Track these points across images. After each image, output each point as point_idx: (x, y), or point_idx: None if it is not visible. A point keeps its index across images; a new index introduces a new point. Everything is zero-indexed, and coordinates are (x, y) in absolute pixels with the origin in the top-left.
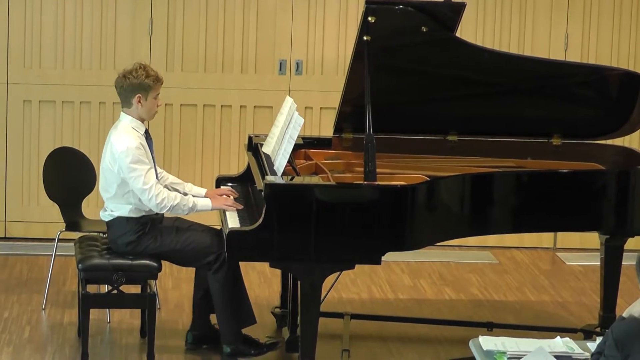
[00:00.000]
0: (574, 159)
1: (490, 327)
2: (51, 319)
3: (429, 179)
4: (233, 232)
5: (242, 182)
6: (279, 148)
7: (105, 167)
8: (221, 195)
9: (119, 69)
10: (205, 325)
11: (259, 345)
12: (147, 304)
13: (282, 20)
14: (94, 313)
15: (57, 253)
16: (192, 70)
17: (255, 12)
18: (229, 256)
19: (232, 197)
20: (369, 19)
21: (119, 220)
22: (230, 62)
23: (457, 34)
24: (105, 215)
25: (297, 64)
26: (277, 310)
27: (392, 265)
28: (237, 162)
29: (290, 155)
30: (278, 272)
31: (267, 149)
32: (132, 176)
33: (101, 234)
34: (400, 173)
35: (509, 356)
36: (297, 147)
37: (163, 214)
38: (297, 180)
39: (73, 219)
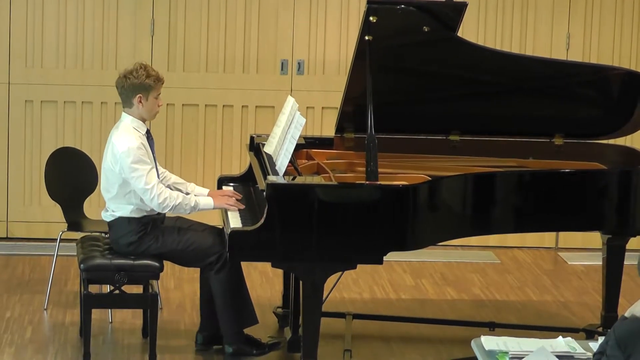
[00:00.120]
0: (576, 159)
1: (492, 327)
2: (53, 319)
3: (430, 178)
4: (235, 232)
5: (244, 182)
6: (280, 148)
7: (106, 167)
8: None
9: (120, 69)
10: (213, 325)
11: (261, 345)
12: (149, 304)
13: (283, 20)
14: (95, 313)
15: (59, 253)
16: (193, 70)
17: (257, 12)
18: (230, 256)
19: (234, 198)
20: (371, 18)
21: (120, 220)
22: (232, 62)
23: (459, 34)
24: (107, 216)
25: (298, 63)
26: (279, 310)
27: (394, 265)
28: (238, 162)
29: (292, 155)
30: (280, 272)
31: (268, 148)
32: (133, 176)
33: (103, 234)
34: (401, 173)
35: (511, 356)
36: (298, 147)
37: (165, 214)
38: (299, 180)
39: (75, 219)
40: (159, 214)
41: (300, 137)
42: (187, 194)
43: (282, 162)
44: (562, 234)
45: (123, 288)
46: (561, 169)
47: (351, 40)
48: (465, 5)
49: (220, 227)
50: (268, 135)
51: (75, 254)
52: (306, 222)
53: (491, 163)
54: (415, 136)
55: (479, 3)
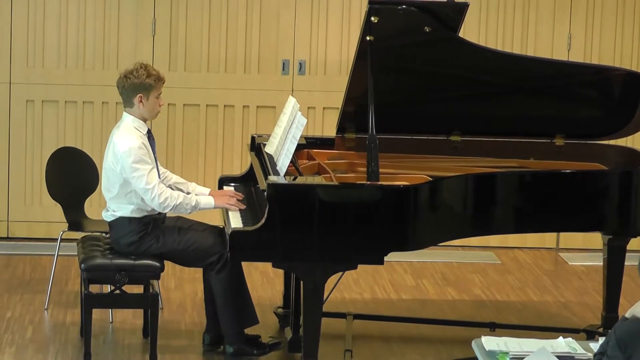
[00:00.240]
0: (577, 159)
1: (493, 327)
2: (54, 319)
3: (431, 179)
4: (236, 232)
5: (245, 182)
6: (281, 148)
7: (107, 167)
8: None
9: (121, 69)
10: (219, 326)
11: (262, 345)
12: (149, 304)
13: (285, 21)
14: (96, 313)
15: (59, 253)
16: (195, 70)
17: (259, 12)
18: (231, 256)
19: (235, 198)
20: (372, 19)
21: (121, 220)
22: (233, 62)
23: (460, 34)
24: (108, 216)
25: (300, 64)
26: (280, 310)
27: (395, 265)
28: (239, 162)
29: (293, 156)
30: (280, 272)
31: (269, 149)
32: (134, 176)
33: (104, 234)
34: (402, 173)
35: (511, 356)
36: (299, 147)
37: (165, 214)
38: (300, 180)
39: (76, 219)
40: (159, 213)
41: (301, 137)
42: (188, 193)
43: (283, 162)
44: (562, 234)
45: (124, 288)
46: (562, 169)
47: (352, 40)
48: (466, 5)
49: (221, 226)
50: (269, 136)
51: (76, 253)
52: (307, 222)
53: (492, 163)
54: (416, 136)
55: (480, 3)
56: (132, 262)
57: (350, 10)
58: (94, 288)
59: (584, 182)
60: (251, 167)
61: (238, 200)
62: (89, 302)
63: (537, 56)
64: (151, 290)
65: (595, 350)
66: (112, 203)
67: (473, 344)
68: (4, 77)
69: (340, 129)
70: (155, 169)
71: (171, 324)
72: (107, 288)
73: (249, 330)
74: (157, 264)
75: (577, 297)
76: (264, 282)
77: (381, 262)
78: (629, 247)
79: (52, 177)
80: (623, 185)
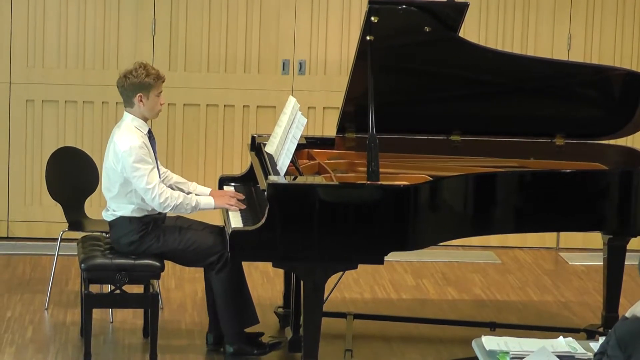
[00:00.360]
0: (577, 159)
1: (493, 327)
2: (54, 318)
3: (431, 178)
4: (236, 232)
5: (245, 182)
6: (282, 148)
7: (108, 167)
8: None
9: (121, 68)
10: None
11: (262, 345)
12: (149, 303)
13: (285, 20)
14: (96, 313)
15: (59, 253)
16: (195, 70)
17: (259, 12)
18: (231, 256)
19: (235, 198)
20: (372, 18)
21: (121, 220)
22: (233, 62)
23: (460, 34)
24: (108, 215)
25: (300, 63)
26: (280, 310)
27: (395, 265)
28: (240, 162)
29: (293, 155)
30: (281, 272)
31: (270, 148)
32: (135, 175)
33: (104, 234)
34: (403, 173)
35: (511, 356)
36: (300, 147)
37: (166, 213)
38: (300, 180)
39: (76, 218)
40: (159, 213)
41: (301, 137)
42: (189, 193)
43: (283, 162)
44: (562, 234)
45: (124, 288)
46: (562, 169)
47: (352, 40)
48: (466, 5)
49: (222, 226)
50: (269, 135)
51: (76, 253)
52: (307, 222)
53: (492, 163)
54: (417, 136)
55: (480, 3)
56: (132, 261)
57: (350, 10)
58: (94, 288)
59: (584, 181)
60: (251, 167)
61: (238, 200)
62: (89, 302)
63: (537, 56)
64: (151, 290)
65: (596, 350)
66: (112, 202)
67: (473, 343)
68: (4, 76)
69: (341, 128)
70: (155, 169)
71: (171, 324)
72: (107, 288)
73: (251, 329)
74: (158, 264)
75: (577, 297)
76: (264, 281)
77: (381, 261)
78: (629, 246)
79: (52, 177)
80: (623, 185)
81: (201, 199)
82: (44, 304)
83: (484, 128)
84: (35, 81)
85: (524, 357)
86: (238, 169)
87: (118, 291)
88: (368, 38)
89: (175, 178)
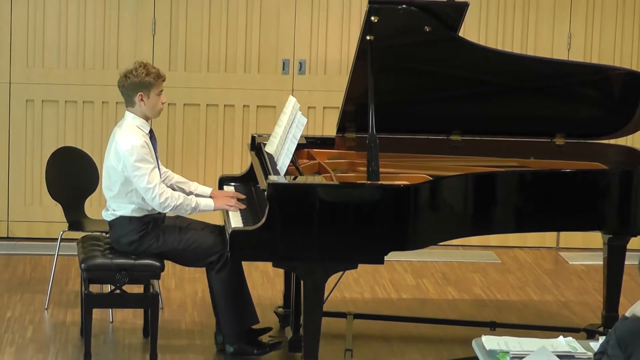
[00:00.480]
0: (577, 159)
1: (493, 327)
2: (54, 318)
3: (431, 178)
4: (236, 232)
5: (245, 181)
6: (282, 148)
7: (109, 166)
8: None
9: (122, 68)
10: None
11: (262, 345)
12: (150, 303)
13: (285, 20)
14: (96, 313)
15: (59, 253)
16: (195, 70)
17: (259, 12)
18: (231, 256)
19: (235, 198)
20: (372, 18)
21: (121, 219)
22: (233, 62)
23: (460, 34)
24: (108, 215)
25: (300, 63)
26: (280, 309)
27: (395, 264)
28: (240, 162)
29: (293, 155)
30: (281, 271)
31: (270, 148)
32: (136, 175)
33: (104, 234)
34: (403, 172)
35: (511, 356)
36: (300, 146)
37: (165, 213)
38: (300, 179)
39: (76, 218)
40: (159, 213)
41: (301, 136)
42: (190, 192)
43: (283, 162)
44: (563, 234)
45: (124, 288)
46: (562, 169)
47: (352, 40)
48: (466, 5)
49: (222, 226)
50: (269, 135)
51: (76, 253)
52: (307, 222)
53: (492, 163)
54: (417, 136)
55: (480, 3)
56: (133, 261)
57: (350, 10)
58: (94, 288)
59: (584, 181)
60: (251, 167)
61: (239, 200)
62: (89, 302)
63: (537, 56)
64: (151, 290)
65: (596, 350)
66: (112, 202)
67: (473, 343)
68: (3, 76)
69: (341, 128)
70: (156, 169)
71: (171, 324)
72: (107, 288)
73: (264, 324)
74: (158, 264)
75: (577, 297)
76: (264, 281)
77: (381, 261)
78: (629, 246)
79: (52, 177)
80: (623, 185)
81: (201, 201)
82: (44, 304)
83: (484, 128)
84: (35, 81)
85: (524, 357)
86: (238, 169)
87: (118, 291)
88: (368, 38)
89: (176, 178)
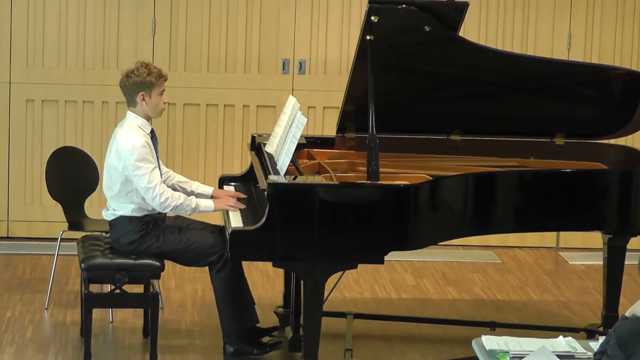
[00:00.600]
0: (577, 159)
1: (493, 327)
2: (54, 318)
3: (431, 178)
4: (236, 232)
5: (245, 181)
6: (282, 147)
7: (110, 165)
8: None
9: (122, 68)
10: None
11: (262, 345)
12: (150, 303)
13: (285, 20)
14: (96, 313)
15: (59, 253)
16: (195, 70)
17: (259, 12)
18: (231, 256)
19: (235, 198)
20: (372, 18)
21: (121, 219)
22: (233, 62)
23: (460, 34)
24: (108, 215)
25: (300, 63)
26: (280, 309)
27: (395, 264)
28: (240, 162)
29: (293, 155)
30: (281, 271)
31: (270, 148)
32: (136, 174)
33: (104, 234)
34: (403, 172)
35: (511, 356)
36: (300, 146)
37: (166, 213)
38: (300, 179)
39: (76, 218)
40: (160, 213)
41: (301, 136)
42: (192, 192)
43: (283, 162)
44: (562, 233)
45: (124, 287)
46: (562, 168)
47: (352, 39)
48: (466, 5)
49: (222, 226)
50: (269, 135)
51: (76, 253)
52: (307, 222)
53: (492, 163)
54: (417, 136)
55: (480, 3)
56: (133, 261)
57: (350, 9)
58: (94, 288)
59: (584, 181)
60: (251, 167)
61: (239, 199)
62: (89, 302)
63: (537, 55)
64: (151, 290)
65: (596, 350)
66: (112, 202)
67: (473, 343)
68: (3, 76)
69: (341, 128)
70: (157, 169)
71: (171, 324)
72: (107, 288)
73: (265, 324)
74: (158, 264)
75: (577, 297)
76: (264, 281)
77: (381, 261)
78: (629, 246)
79: (52, 177)
80: (623, 185)
81: (201, 202)
82: (44, 304)
83: (484, 128)
84: (35, 81)
85: (524, 357)
86: (238, 169)
87: (118, 291)
88: (368, 38)
89: (177, 177)
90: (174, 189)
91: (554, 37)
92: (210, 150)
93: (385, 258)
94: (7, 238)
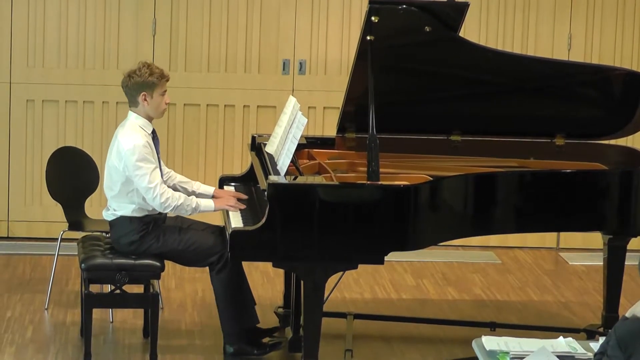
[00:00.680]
0: (577, 159)
1: (493, 327)
2: (54, 318)
3: (432, 178)
4: (236, 232)
5: (246, 181)
6: (282, 148)
7: (110, 165)
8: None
9: (122, 68)
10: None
11: (262, 345)
12: (150, 303)
13: (285, 20)
14: (96, 313)
15: (60, 253)
16: (195, 70)
17: (259, 12)
18: (231, 256)
19: (235, 198)
20: (373, 18)
21: (122, 219)
22: (233, 62)
23: (461, 34)
24: (108, 215)
25: (300, 63)
26: (280, 310)
27: (395, 265)
28: (240, 162)
29: (293, 155)
30: (281, 272)
31: (270, 148)
32: (137, 174)
33: (104, 234)
34: (403, 173)
35: (511, 356)
36: (300, 146)
37: (166, 213)
38: (300, 180)
39: (76, 218)
40: (160, 213)
41: (301, 137)
42: (193, 192)
43: (283, 162)
44: (563, 234)
45: (124, 288)
46: (562, 169)
47: (353, 40)
48: (466, 5)
49: (222, 226)
50: (269, 135)
51: (76, 253)
52: (307, 222)
53: (492, 163)
54: (417, 136)
55: (480, 3)
56: (133, 261)
57: (350, 10)
58: (94, 288)
59: (584, 181)
60: (251, 167)
61: (240, 200)
62: (89, 302)
63: (538, 56)
64: (151, 290)
65: (596, 350)
66: (113, 202)
67: (473, 343)
68: (4, 76)
69: (341, 128)
70: (158, 169)
71: (171, 324)
72: (108, 288)
73: (264, 324)
74: (158, 264)
75: (577, 297)
76: (264, 282)
77: (381, 261)
78: (629, 246)
79: (52, 177)
80: (623, 185)
81: (201, 202)
82: (44, 304)
83: (484, 128)
84: (35, 81)
85: (524, 357)
86: (238, 169)
87: (118, 291)
88: (368, 38)
89: (179, 178)
90: (175, 190)
91: (554, 37)
92: (211, 150)
93: (385, 258)
94: (7, 238)
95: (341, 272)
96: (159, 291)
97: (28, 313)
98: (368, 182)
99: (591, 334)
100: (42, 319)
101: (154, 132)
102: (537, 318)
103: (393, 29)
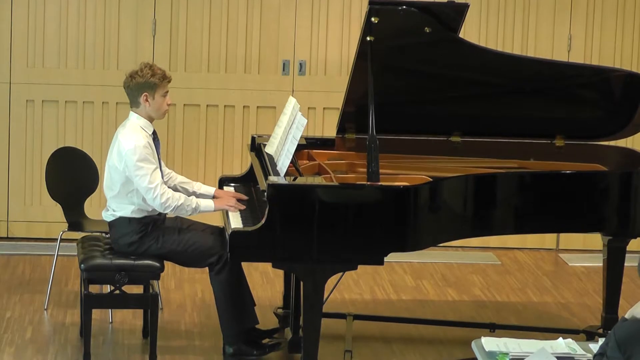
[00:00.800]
0: (577, 160)
1: (493, 328)
2: (53, 319)
3: (431, 179)
4: (236, 233)
5: (245, 182)
6: (282, 148)
7: (111, 165)
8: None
9: (122, 69)
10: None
11: (262, 346)
12: (149, 304)
13: (285, 21)
14: (96, 313)
15: (59, 253)
16: (195, 71)
17: (259, 13)
18: (231, 257)
19: (235, 199)
20: (372, 19)
21: (121, 220)
22: (233, 63)
23: (460, 35)
24: (108, 215)
25: (300, 64)
26: (280, 310)
27: (395, 266)
28: (240, 163)
29: (293, 156)
30: (280, 272)
31: (270, 149)
32: (137, 174)
33: (104, 234)
34: (403, 174)
35: (511, 357)
36: (300, 147)
37: (166, 214)
38: (300, 180)
39: (75, 219)
40: (159, 214)
41: (301, 137)
42: (194, 193)
43: (283, 163)
44: (562, 235)
45: (123, 288)
46: (562, 170)
47: (353, 40)
48: (466, 6)
49: (221, 227)
50: (269, 136)
51: (76, 253)
52: (307, 223)
53: (492, 164)
54: (417, 137)
55: (480, 4)
56: (132, 262)
57: (350, 10)
58: (94, 288)
59: (584, 183)
60: (251, 168)
61: (240, 200)
62: (89, 302)
63: (538, 57)
64: (151, 291)
65: (595, 351)
66: (112, 202)
67: (473, 344)
68: (4, 76)
69: (341, 129)
70: (158, 169)
71: (171, 324)
72: (107, 288)
73: (264, 325)
74: (157, 264)
75: (576, 298)
76: (264, 282)
77: (381, 262)
78: (628, 248)
79: (52, 177)
80: (623, 187)
81: (201, 202)
82: (44, 305)
83: (484, 129)
84: (35, 81)
85: (523, 359)
86: (238, 170)
87: (118, 291)
88: (368, 38)
89: (179, 178)
90: (176, 190)
91: (554, 38)
92: (210, 151)
93: (385, 259)
94: (7, 238)
95: (341, 273)
96: (158, 292)
97: (27, 313)
98: (368, 183)
99: (590, 335)
100: (41, 319)
101: (154, 133)
102: (536, 319)
103: (393, 29)
